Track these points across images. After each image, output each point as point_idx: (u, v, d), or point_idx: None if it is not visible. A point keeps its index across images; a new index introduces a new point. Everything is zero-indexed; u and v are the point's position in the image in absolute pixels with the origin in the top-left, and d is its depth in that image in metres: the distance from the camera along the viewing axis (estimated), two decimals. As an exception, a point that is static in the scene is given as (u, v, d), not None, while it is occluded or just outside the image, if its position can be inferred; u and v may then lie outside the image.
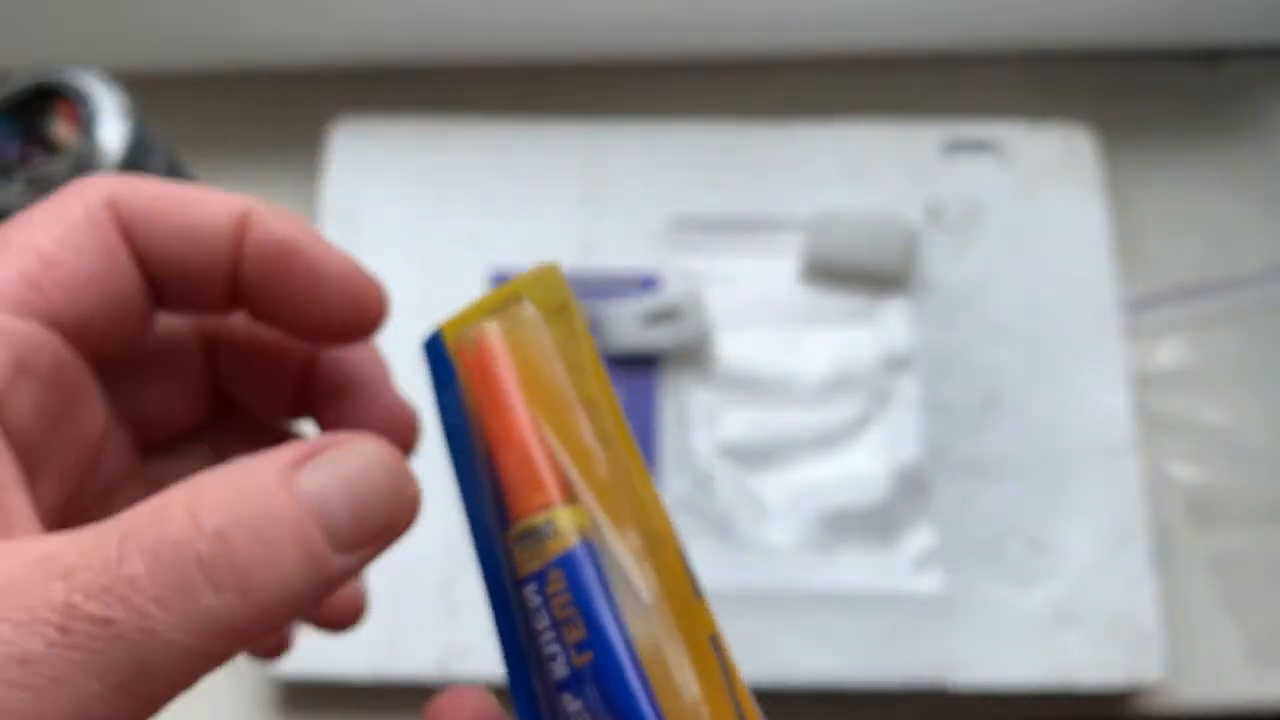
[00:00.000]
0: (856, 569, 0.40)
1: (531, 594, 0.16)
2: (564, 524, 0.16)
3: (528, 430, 0.17)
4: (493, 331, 0.18)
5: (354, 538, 0.16)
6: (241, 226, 0.19)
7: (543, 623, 0.16)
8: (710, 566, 0.40)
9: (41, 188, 0.33)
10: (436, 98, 0.48)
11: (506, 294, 0.18)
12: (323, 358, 0.21)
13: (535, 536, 0.17)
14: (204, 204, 0.19)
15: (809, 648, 0.39)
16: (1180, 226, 0.47)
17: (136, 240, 0.18)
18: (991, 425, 0.42)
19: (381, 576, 0.40)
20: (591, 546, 0.16)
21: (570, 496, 0.17)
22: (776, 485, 0.41)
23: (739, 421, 0.42)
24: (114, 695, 0.14)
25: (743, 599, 0.39)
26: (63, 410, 0.18)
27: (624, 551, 0.16)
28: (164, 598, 0.14)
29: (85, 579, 0.14)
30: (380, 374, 0.22)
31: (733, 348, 0.43)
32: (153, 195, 0.18)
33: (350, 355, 0.22)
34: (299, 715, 0.41)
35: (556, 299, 0.18)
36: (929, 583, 0.39)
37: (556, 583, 0.16)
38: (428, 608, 0.39)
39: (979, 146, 0.46)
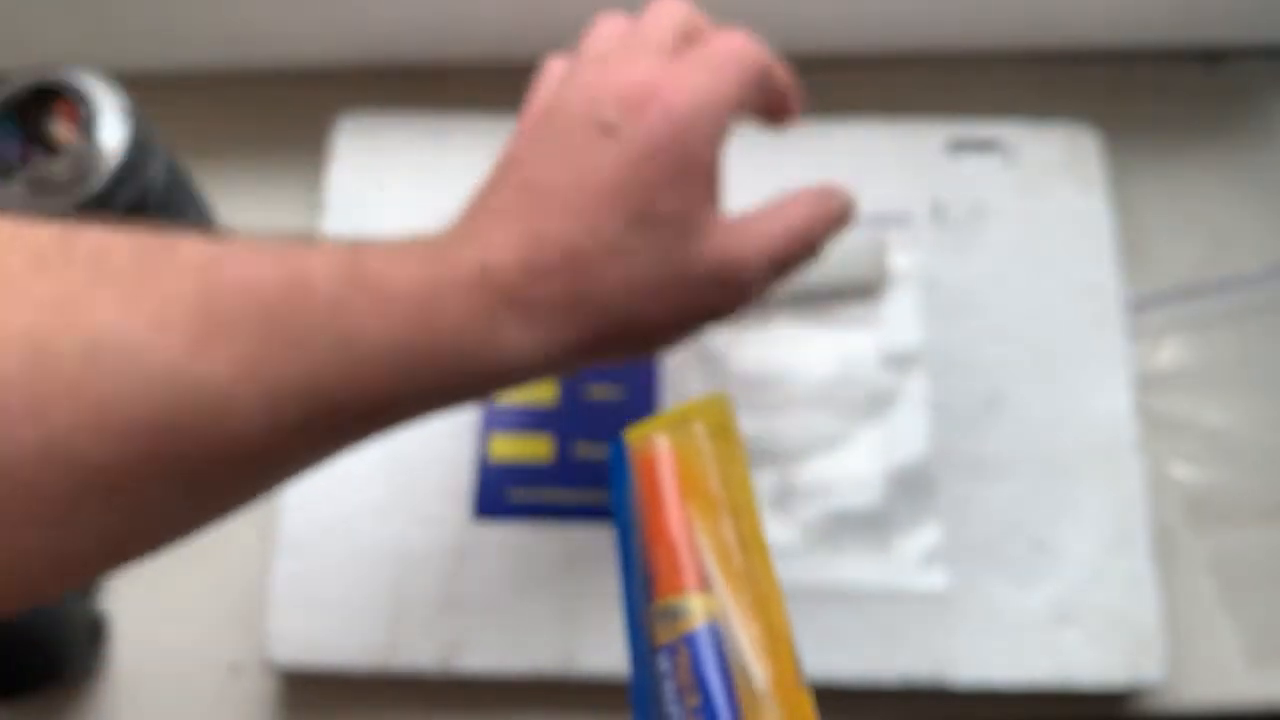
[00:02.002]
0: (861, 565, 0.40)
1: (663, 660, 0.20)
2: (695, 608, 0.20)
3: (677, 527, 0.22)
4: (662, 443, 0.23)
5: None
6: None
7: (668, 686, 0.20)
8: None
9: (42, 188, 0.33)
10: (440, 96, 0.48)
11: (683, 414, 0.23)
12: None
13: (671, 614, 0.20)
14: None
15: (810, 645, 0.39)
16: (1180, 226, 0.47)
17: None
18: (994, 424, 0.42)
19: (384, 568, 0.40)
20: (716, 630, 0.20)
21: (705, 585, 0.21)
22: (780, 482, 0.41)
23: (742, 419, 0.42)
24: None
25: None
26: None
27: (745, 639, 0.20)
28: None
29: None
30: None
31: (735, 346, 0.43)
32: None
33: None
34: (299, 707, 0.41)
35: (722, 421, 0.23)
36: (934, 580, 0.39)
37: (682, 655, 0.20)
38: (430, 600, 0.39)
39: (983, 146, 0.46)
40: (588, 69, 0.30)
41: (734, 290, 0.31)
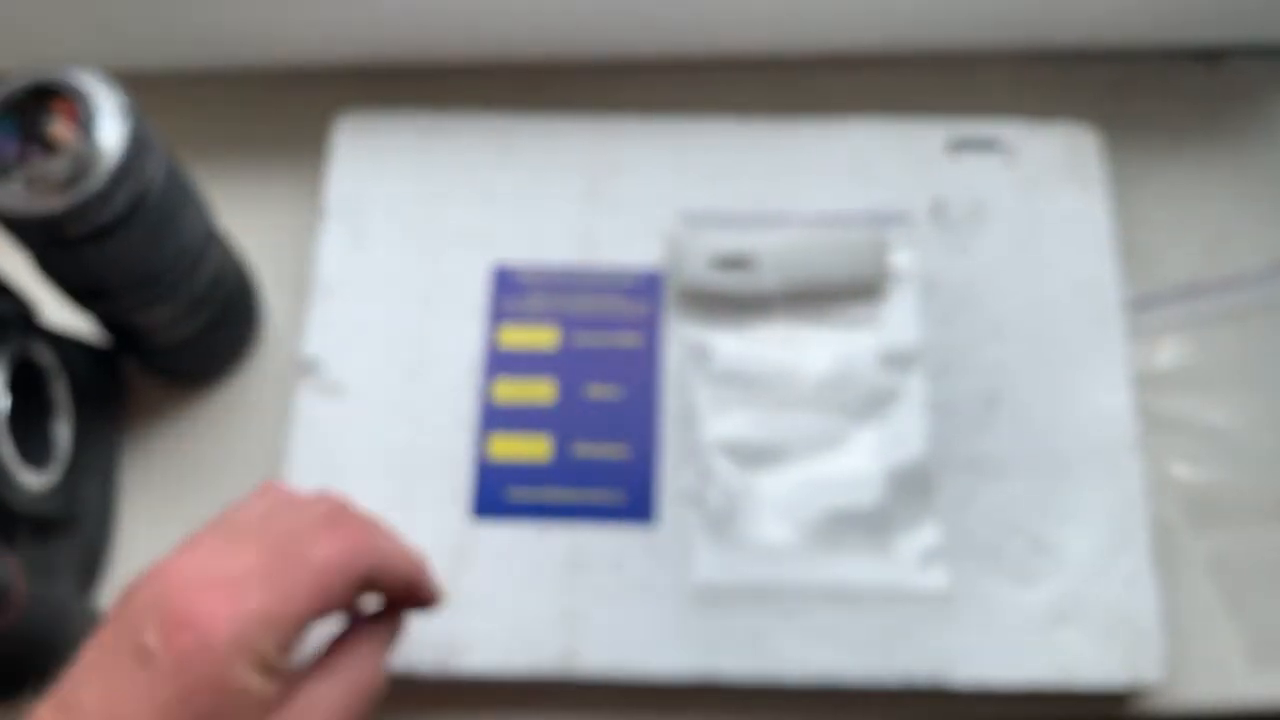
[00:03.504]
0: (861, 565, 0.40)
1: None
2: None
3: None
4: None
5: None
6: None
7: None
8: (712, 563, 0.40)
9: (40, 187, 0.33)
10: (439, 94, 0.48)
11: None
12: None
13: None
14: None
15: (809, 645, 0.39)
16: (1180, 226, 0.47)
17: None
18: (994, 424, 0.42)
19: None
20: None
21: None
22: (779, 482, 0.41)
23: (741, 418, 0.42)
24: None
25: (744, 595, 0.39)
26: None
27: None
28: None
29: None
30: None
31: (734, 345, 0.43)
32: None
33: None
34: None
35: None
36: (934, 580, 0.39)
37: None
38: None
39: (983, 145, 0.46)
40: (169, 562, 0.28)
41: None
